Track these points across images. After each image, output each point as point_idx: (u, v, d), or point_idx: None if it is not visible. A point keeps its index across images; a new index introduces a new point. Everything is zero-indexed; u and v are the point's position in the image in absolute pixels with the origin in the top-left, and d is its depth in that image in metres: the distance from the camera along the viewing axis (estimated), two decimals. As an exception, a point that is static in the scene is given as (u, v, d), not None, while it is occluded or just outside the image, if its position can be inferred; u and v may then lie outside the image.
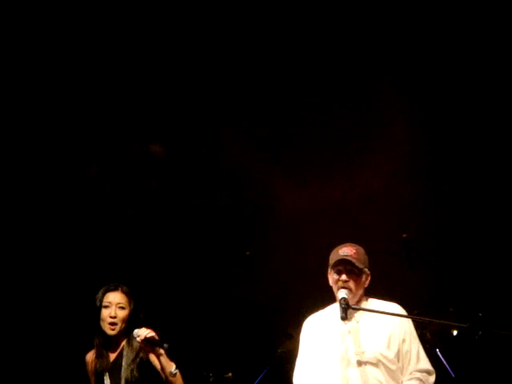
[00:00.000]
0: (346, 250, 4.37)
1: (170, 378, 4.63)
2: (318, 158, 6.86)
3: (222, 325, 6.52)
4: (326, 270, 4.42)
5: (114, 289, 4.83)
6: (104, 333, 4.77)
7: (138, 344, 4.64)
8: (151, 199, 7.09)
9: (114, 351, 4.84)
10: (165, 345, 4.55)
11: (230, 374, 5.65)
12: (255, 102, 6.87)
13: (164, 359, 4.63)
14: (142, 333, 4.60)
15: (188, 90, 6.90)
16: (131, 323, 4.72)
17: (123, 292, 4.84)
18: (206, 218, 7.08)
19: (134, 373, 4.72)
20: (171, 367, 4.61)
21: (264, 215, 7.01)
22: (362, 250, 4.45)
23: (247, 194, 7.02)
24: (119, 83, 6.76)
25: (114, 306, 4.77)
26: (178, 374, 4.65)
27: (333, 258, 4.38)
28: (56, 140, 6.83)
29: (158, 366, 4.63)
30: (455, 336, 5.77)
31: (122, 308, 4.77)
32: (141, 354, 4.70)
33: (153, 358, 4.67)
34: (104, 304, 4.79)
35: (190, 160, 7.06)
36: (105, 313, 4.76)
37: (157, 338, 4.61)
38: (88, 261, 6.83)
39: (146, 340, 4.59)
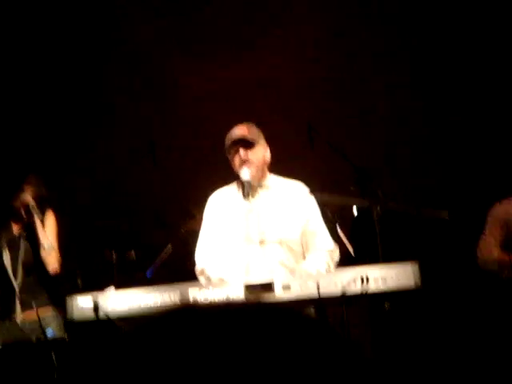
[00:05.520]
0: (236, 131, 4.42)
1: (43, 253, 4.57)
2: (221, 35, 6.68)
3: (124, 204, 6.46)
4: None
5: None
6: None
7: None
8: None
9: (17, 223, 4.76)
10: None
11: (133, 252, 5.63)
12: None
13: (40, 230, 4.58)
14: (25, 197, 4.61)
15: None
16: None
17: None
18: (106, 101, 6.86)
19: (32, 258, 4.63)
20: (45, 241, 4.57)
21: (165, 98, 6.85)
22: (252, 125, 4.50)
23: (146, 74, 6.82)
24: None
25: None
26: (54, 253, 4.59)
27: (227, 142, 4.42)
28: None
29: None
30: (355, 216, 5.91)
31: None
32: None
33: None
34: None
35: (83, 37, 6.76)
36: None
37: (35, 206, 4.58)
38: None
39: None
